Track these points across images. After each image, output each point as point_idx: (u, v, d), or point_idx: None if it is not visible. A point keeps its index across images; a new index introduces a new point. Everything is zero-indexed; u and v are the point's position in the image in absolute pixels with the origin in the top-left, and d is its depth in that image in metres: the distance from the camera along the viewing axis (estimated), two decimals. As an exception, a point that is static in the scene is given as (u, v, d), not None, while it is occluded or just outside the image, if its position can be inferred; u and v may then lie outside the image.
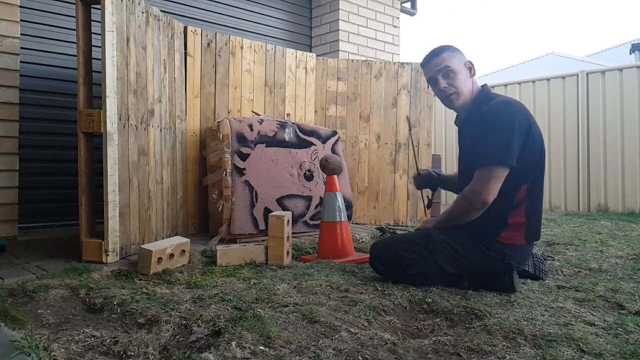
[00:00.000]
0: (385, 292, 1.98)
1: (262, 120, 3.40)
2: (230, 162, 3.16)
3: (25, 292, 1.86)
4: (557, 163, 6.32)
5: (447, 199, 7.20)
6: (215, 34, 3.67)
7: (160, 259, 2.28)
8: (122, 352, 1.36)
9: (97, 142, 2.55)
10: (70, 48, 3.61)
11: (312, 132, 3.64)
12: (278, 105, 4.05)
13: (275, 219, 2.60)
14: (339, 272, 2.33)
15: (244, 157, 3.21)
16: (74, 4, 2.58)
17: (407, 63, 4.38)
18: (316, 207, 3.49)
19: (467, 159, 2.21)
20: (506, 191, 1.99)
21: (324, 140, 3.71)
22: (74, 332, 1.50)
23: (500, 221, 2.04)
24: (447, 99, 2.16)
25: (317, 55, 4.49)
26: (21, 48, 3.20)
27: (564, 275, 2.41)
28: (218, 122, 3.34)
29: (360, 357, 1.33)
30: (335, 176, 2.87)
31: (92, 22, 2.59)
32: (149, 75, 2.86)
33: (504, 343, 1.46)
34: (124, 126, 2.55)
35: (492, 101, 2.08)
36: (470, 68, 2.16)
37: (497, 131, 1.97)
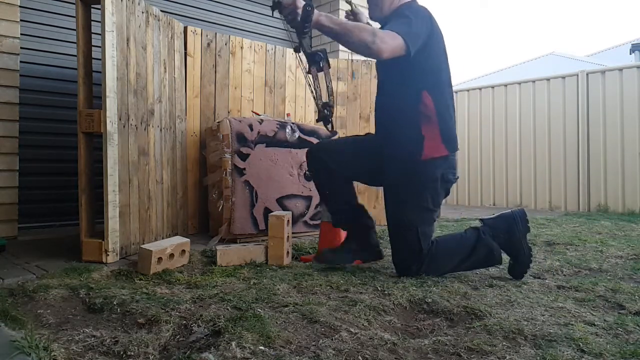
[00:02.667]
0: (385, 292, 1.98)
1: (262, 120, 3.40)
2: (230, 162, 3.16)
3: (25, 292, 1.86)
4: (557, 163, 6.32)
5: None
6: (215, 34, 3.67)
7: (160, 259, 2.28)
8: (122, 352, 1.36)
9: (97, 142, 2.55)
10: (70, 48, 3.61)
11: (312, 132, 3.64)
12: (278, 105, 4.05)
13: (275, 219, 2.60)
14: (339, 272, 2.33)
15: (244, 157, 3.21)
16: (74, 4, 2.58)
17: (407, 63, 4.37)
18: (316, 207, 3.49)
19: None
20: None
21: (324, 140, 3.71)
22: (74, 332, 1.50)
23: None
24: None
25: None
26: (21, 48, 3.20)
27: (564, 275, 2.41)
28: (218, 122, 3.34)
29: (360, 357, 1.33)
30: (335, 176, 2.86)
31: (92, 22, 2.59)
32: (149, 75, 2.86)
33: (504, 343, 1.46)
34: (124, 126, 2.55)
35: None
36: None
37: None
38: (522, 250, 2.26)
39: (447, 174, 2.29)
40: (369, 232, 2.48)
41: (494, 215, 2.38)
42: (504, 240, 2.28)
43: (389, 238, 2.40)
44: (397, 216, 2.30)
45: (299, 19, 2.04)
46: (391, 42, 2.09)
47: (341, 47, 5.16)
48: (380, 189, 4.27)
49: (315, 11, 2.06)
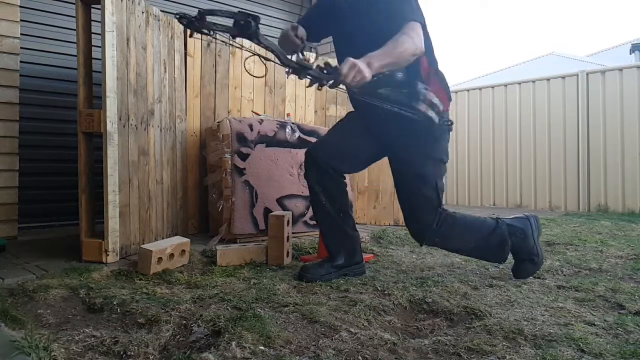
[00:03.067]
0: (385, 292, 1.98)
1: (262, 120, 3.40)
2: (230, 162, 3.16)
3: (25, 292, 1.86)
4: (557, 163, 6.32)
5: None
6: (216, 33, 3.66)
7: (160, 259, 2.28)
8: (122, 352, 1.36)
9: (97, 142, 2.55)
10: (70, 48, 3.61)
11: (312, 132, 3.64)
12: (278, 105, 4.05)
13: (275, 219, 2.60)
14: (339, 272, 2.32)
15: (244, 157, 3.21)
16: (74, 4, 2.58)
17: (407, 63, 4.37)
18: (316, 207, 3.49)
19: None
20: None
21: (324, 140, 3.70)
22: (74, 332, 1.50)
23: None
24: None
25: (317, 55, 4.48)
26: (21, 48, 3.20)
27: (564, 275, 2.41)
28: (218, 122, 3.34)
29: (360, 357, 1.33)
30: (335, 176, 2.86)
31: (92, 22, 2.59)
32: (149, 75, 2.86)
33: (504, 343, 1.46)
34: (124, 126, 2.55)
35: None
36: None
37: None
38: (538, 255, 2.30)
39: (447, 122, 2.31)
40: (357, 248, 2.39)
41: (509, 217, 2.41)
42: (519, 240, 2.29)
43: (399, 204, 2.35)
44: (415, 174, 2.23)
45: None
46: (420, 33, 2.07)
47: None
48: (381, 190, 4.29)
49: (363, 63, 2.04)
